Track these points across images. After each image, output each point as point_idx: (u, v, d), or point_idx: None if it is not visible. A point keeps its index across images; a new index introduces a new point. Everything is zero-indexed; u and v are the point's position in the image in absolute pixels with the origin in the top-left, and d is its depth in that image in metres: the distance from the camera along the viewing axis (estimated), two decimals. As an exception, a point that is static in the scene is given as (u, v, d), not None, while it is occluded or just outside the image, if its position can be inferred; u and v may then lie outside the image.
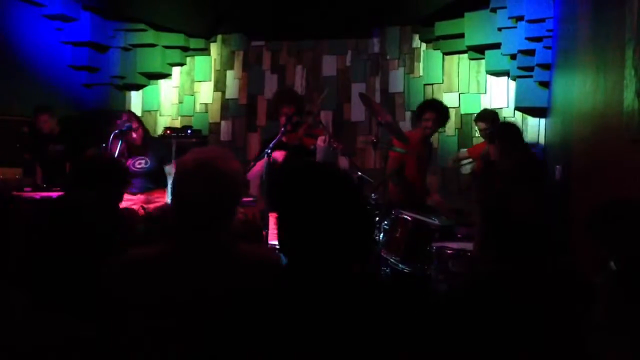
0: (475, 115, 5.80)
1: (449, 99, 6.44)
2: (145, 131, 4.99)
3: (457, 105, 6.41)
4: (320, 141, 4.27)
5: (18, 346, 1.44)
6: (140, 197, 4.63)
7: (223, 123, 7.20)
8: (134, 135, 4.83)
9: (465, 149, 6.12)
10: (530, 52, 5.53)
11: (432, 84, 6.54)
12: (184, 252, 1.83)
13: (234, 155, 1.97)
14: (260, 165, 4.28)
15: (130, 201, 4.71)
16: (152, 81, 7.30)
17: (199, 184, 1.84)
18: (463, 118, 6.40)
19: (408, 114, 6.54)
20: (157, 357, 1.69)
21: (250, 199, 5.03)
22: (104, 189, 2.56)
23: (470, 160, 5.80)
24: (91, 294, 1.60)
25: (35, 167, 5.88)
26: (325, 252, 1.51)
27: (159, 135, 6.81)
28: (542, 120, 5.91)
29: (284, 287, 1.51)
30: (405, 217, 4.15)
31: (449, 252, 3.75)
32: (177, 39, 7.07)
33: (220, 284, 1.74)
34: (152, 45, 7.00)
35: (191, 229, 1.86)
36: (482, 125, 5.50)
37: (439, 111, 5.17)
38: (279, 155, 4.33)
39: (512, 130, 4.66)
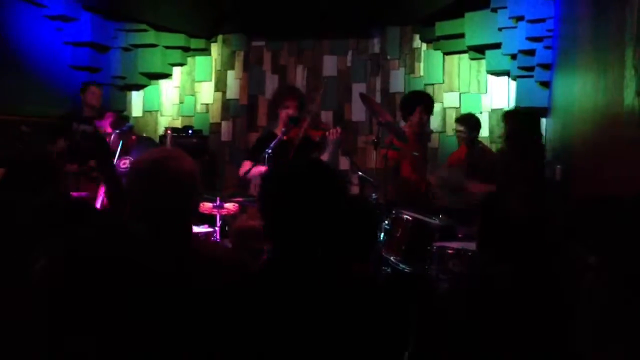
0: (458, 116, 5.72)
1: (450, 99, 6.45)
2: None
3: (458, 106, 6.41)
4: (331, 135, 4.30)
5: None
6: None
7: (224, 123, 7.20)
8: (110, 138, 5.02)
9: (443, 164, 5.98)
10: (530, 52, 5.53)
11: (433, 84, 6.55)
12: (140, 254, 1.82)
13: (187, 155, 1.95)
14: (261, 168, 4.28)
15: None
16: (152, 81, 7.31)
17: (149, 184, 1.83)
18: (463, 118, 6.38)
19: (408, 114, 6.53)
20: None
21: (252, 198, 5.04)
22: (38, 188, 2.44)
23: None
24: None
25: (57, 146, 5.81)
26: (309, 248, 1.52)
27: (159, 136, 6.84)
28: (543, 120, 5.90)
29: (267, 283, 1.51)
30: (406, 216, 4.15)
31: (449, 251, 3.77)
32: (178, 39, 7.07)
33: (175, 284, 1.73)
34: (153, 46, 7.01)
35: (149, 230, 1.86)
36: (459, 127, 5.41)
37: (428, 102, 5.27)
38: (262, 169, 4.32)
39: (525, 118, 4.69)
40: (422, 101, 5.27)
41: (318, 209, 1.52)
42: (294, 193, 1.53)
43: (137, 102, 7.38)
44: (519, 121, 4.68)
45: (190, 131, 6.61)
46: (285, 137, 4.31)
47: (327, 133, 4.34)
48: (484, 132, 6.18)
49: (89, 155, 5.54)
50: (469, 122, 5.46)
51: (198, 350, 1.54)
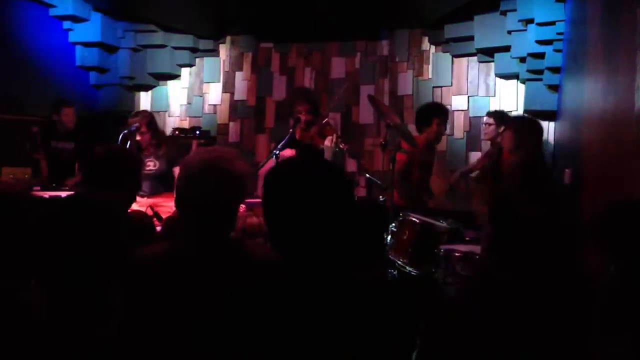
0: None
1: (458, 102, 6.43)
2: (154, 135, 5.00)
3: (466, 108, 6.39)
4: (327, 141, 4.27)
5: (33, 345, 1.44)
6: (148, 200, 4.63)
7: (231, 124, 7.21)
8: (139, 137, 4.88)
9: (469, 166, 5.97)
10: (540, 55, 5.51)
11: (441, 87, 6.53)
12: (190, 252, 1.83)
13: (239, 155, 1.97)
14: (269, 165, 4.29)
15: (138, 203, 4.72)
16: (161, 82, 7.33)
17: (205, 184, 1.84)
18: (472, 121, 6.37)
19: (417, 117, 6.52)
20: (166, 353, 1.69)
21: (259, 199, 5.02)
22: (119, 186, 2.45)
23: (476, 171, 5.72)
24: (104, 293, 1.59)
25: (40, 165, 5.87)
26: (315, 252, 1.50)
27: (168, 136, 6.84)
28: (552, 124, 5.89)
29: (281, 288, 1.51)
30: (413, 219, 4.13)
31: (457, 254, 3.74)
32: (186, 40, 7.08)
33: (227, 282, 1.74)
34: (162, 46, 7.03)
35: (196, 229, 1.87)
36: (489, 120, 5.41)
37: (445, 115, 5.23)
38: (288, 153, 4.31)
39: (531, 126, 4.67)
40: (438, 112, 5.23)
41: (322, 211, 1.50)
42: (296, 195, 1.51)
43: (145, 102, 7.39)
44: (526, 129, 4.66)
45: (197, 132, 6.61)
46: (297, 137, 4.32)
47: (325, 140, 4.31)
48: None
49: (70, 172, 5.61)
50: (500, 116, 5.39)
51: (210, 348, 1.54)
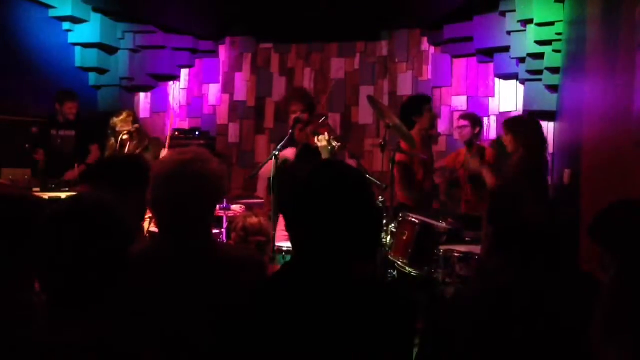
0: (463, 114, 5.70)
1: (458, 102, 6.44)
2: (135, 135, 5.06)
3: (466, 109, 6.39)
4: (320, 140, 4.20)
5: (35, 345, 1.43)
6: None
7: (231, 125, 7.20)
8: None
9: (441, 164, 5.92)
10: (539, 56, 5.50)
11: (441, 87, 6.54)
12: (168, 252, 1.82)
13: (213, 157, 1.95)
14: (268, 166, 4.28)
15: None
16: (160, 83, 7.32)
17: (179, 186, 1.82)
18: (471, 121, 6.37)
19: (416, 117, 6.51)
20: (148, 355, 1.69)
21: (258, 200, 5.04)
22: (128, 192, 2.34)
23: (451, 170, 5.70)
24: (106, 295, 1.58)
25: (38, 162, 5.86)
26: (334, 250, 1.49)
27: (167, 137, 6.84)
28: (551, 124, 5.89)
29: (288, 285, 1.50)
30: (413, 219, 4.13)
31: (456, 255, 3.75)
32: (186, 40, 7.08)
33: (206, 283, 1.73)
34: (161, 47, 7.02)
35: (173, 230, 1.85)
36: (464, 122, 5.39)
37: (431, 101, 5.25)
38: (289, 152, 4.28)
39: (528, 124, 4.71)
40: (425, 100, 5.23)
41: (347, 216, 1.48)
42: (322, 200, 1.48)
43: (144, 103, 7.40)
44: (524, 128, 4.70)
45: (197, 133, 6.62)
46: (296, 137, 4.32)
47: (317, 139, 4.26)
48: (492, 136, 6.19)
49: (70, 163, 5.62)
50: (474, 119, 5.43)
51: (214, 350, 1.54)
